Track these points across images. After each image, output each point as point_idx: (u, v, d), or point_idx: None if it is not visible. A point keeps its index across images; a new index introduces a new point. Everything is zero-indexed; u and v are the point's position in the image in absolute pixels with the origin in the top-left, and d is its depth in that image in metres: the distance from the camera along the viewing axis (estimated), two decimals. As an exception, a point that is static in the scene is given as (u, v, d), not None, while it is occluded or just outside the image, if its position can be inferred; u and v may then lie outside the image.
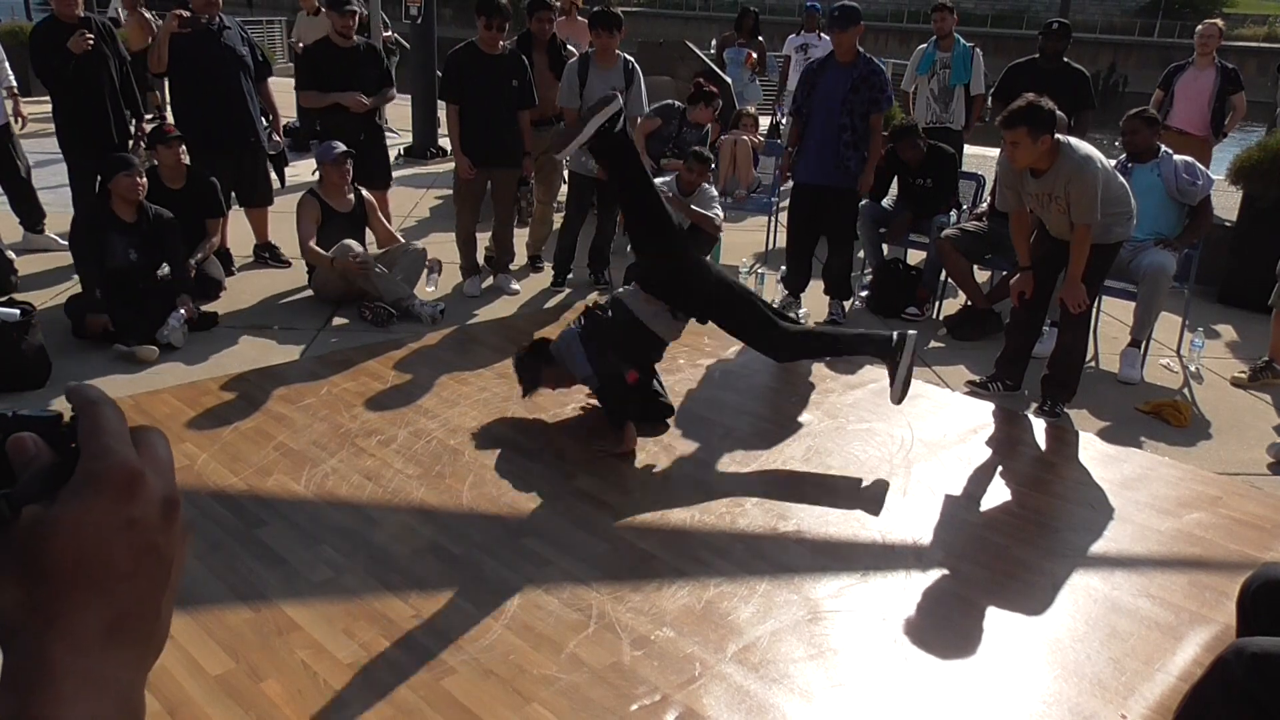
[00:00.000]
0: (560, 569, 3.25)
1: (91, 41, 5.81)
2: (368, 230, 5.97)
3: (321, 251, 5.61)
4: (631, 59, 6.13)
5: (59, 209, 6.57)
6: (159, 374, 4.68)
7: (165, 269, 5.25)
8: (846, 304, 6.05)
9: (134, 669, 0.48)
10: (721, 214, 6.10)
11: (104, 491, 0.47)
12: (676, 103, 7.32)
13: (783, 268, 6.23)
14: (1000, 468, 4.14)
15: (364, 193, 5.85)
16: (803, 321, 5.83)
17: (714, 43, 11.51)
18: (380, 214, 5.99)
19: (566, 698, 2.64)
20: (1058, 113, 4.43)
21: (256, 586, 3.07)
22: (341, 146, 5.71)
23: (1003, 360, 4.97)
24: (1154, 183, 5.42)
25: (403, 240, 6.00)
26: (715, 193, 6.27)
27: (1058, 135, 4.42)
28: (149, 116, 6.74)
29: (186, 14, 5.79)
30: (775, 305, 6.02)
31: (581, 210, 6.28)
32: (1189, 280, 5.67)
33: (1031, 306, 4.82)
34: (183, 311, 5.04)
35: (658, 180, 6.22)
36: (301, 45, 9.40)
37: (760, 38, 10.51)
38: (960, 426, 4.51)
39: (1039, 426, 4.57)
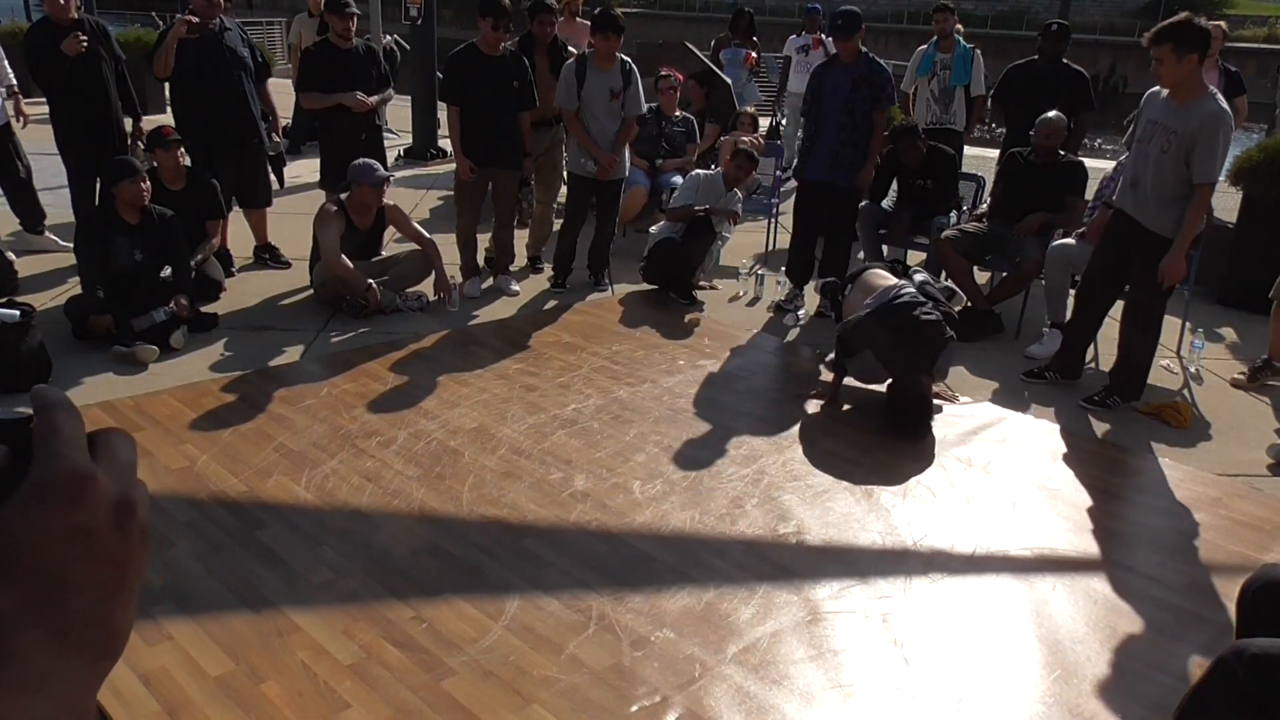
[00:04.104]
0: (560, 570, 3.25)
1: (85, 44, 5.81)
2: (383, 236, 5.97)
3: (350, 267, 5.53)
4: (629, 60, 6.14)
5: (59, 210, 6.58)
6: (159, 374, 4.68)
7: (168, 270, 5.26)
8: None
9: (84, 678, 0.47)
10: (739, 208, 6.39)
11: (49, 499, 0.46)
12: (646, 105, 7.41)
13: (783, 268, 6.26)
14: (1000, 469, 4.14)
15: (387, 204, 5.82)
16: (800, 318, 5.89)
17: (713, 44, 11.47)
18: (407, 218, 5.92)
19: (566, 699, 2.64)
20: (1198, 38, 4.22)
21: (256, 588, 3.07)
22: (383, 170, 5.67)
23: (1061, 352, 5.07)
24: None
25: (428, 237, 5.96)
26: (740, 195, 6.49)
27: (1212, 89, 4.40)
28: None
29: (195, 19, 5.80)
30: (777, 301, 6.11)
31: (581, 211, 6.29)
32: (1189, 282, 5.66)
33: (1092, 303, 4.87)
34: (172, 306, 5.04)
35: (701, 171, 6.37)
36: (302, 45, 9.40)
37: (755, 38, 10.50)
38: (960, 428, 4.51)
39: (1039, 429, 4.57)
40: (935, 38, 7.71)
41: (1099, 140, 16.02)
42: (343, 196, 5.66)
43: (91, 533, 0.47)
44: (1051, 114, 5.82)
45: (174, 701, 2.57)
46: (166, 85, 6.67)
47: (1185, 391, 5.11)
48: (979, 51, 7.77)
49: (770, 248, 7.35)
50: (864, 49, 5.70)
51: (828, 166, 5.73)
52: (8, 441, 0.47)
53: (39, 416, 0.48)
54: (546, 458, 4.02)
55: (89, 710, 0.47)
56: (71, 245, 5.56)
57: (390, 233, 6.05)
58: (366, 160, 5.65)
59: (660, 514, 3.63)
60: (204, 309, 5.38)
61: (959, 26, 7.77)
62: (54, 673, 0.45)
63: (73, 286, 5.46)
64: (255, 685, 2.65)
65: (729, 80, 9.10)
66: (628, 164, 6.39)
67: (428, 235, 5.88)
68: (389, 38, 11.36)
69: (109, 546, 0.48)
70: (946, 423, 4.55)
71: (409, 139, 10.43)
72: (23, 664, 0.44)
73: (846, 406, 4.65)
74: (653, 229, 6.42)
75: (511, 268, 6.40)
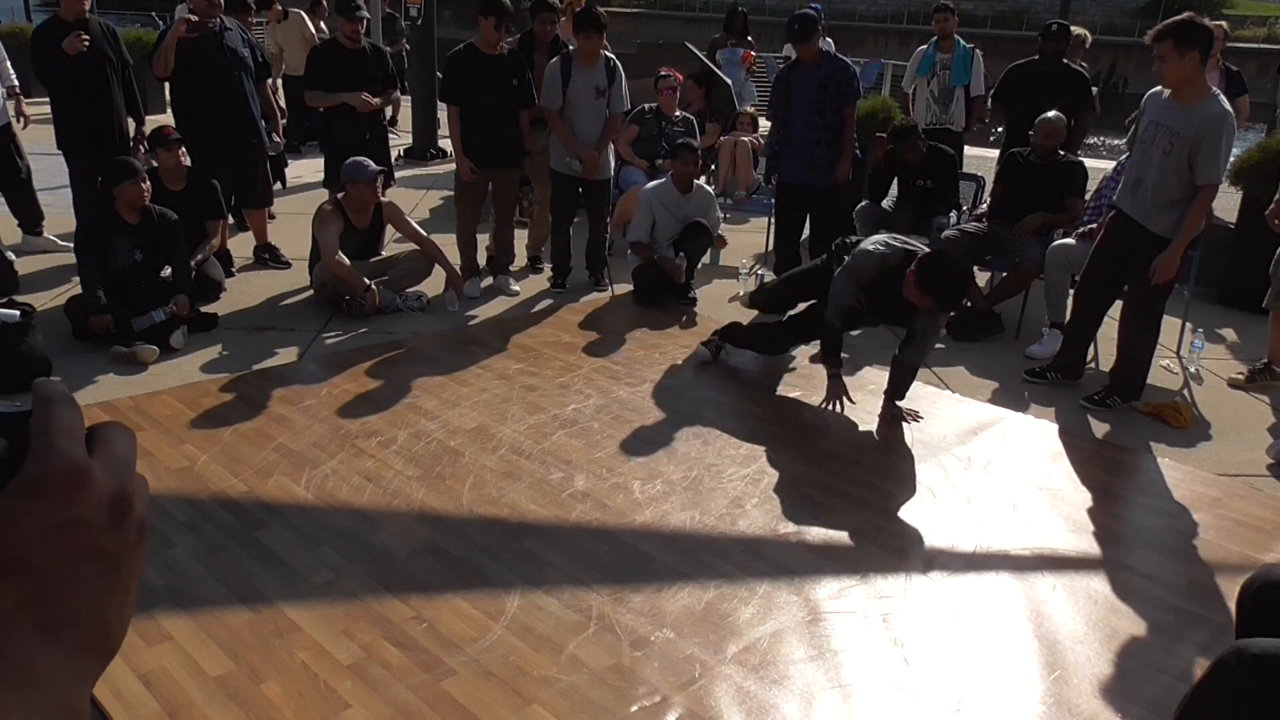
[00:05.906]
0: (560, 570, 3.24)
1: (87, 42, 5.80)
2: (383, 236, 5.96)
3: (349, 267, 5.53)
4: (613, 57, 6.14)
5: (59, 210, 6.58)
6: (159, 375, 4.68)
7: (168, 271, 5.26)
8: None
9: (75, 675, 0.46)
10: (721, 217, 6.25)
11: (42, 492, 0.45)
12: (646, 105, 7.40)
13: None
14: (1000, 469, 4.14)
15: (383, 201, 5.80)
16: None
17: (709, 45, 11.46)
18: (405, 216, 5.91)
19: (567, 699, 2.64)
20: (1199, 37, 4.17)
21: (257, 588, 3.07)
22: (374, 165, 5.65)
23: (1062, 352, 5.08)
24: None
25: (425, 235, 5.95)
26: (712, 193, 6.40)
27: (1215, 89, 4.37)
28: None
29: (195, 19, 5.80)
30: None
31: (568, 210, 6.25)
32: (1189, 282, 5.66)
33: (1092, 303, 4.88)
34: (172, 306, 5.04)
35: (649, 185, 6.28)
36: (284, 51, 9.34)
37: (750, 37, 10.48)
38: (959, 428, 4.51)
39: (1039, 429, 4.57)
40: (935, 38, 7.71)
41: (1120, 141, 15.94)
42: (339, 197, 5.66)
43: (85, 528, 0.46)
44: (1050, 114, 5.82)
45: (174, 701, 2.57)
46: (166, 85, 6.68)
47: (1185, 391, 5.11)
48: (979, 51, 7.77)
49: (770, 248, 7.34)
50: (824, 47, 5.76)
51: (805, 169, 5.82)
52: (6, 435, 0.46)
53: (36, 410, 0.47)
54: (546, 458, 4.02)
55: (82, 709, 0.46)
56: (71, 245, 5.57)
57: (390, 233, 6.06)
58: (356, 159, 5.65)
59: (660, 514, 3.63)
60: (204, 309, 5.38)
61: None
62: (45, 670, 0.44)
63: (73, 286, 5.46)
64: (255, 685, 2.65)
65: (729, 80, 9.10)
66: (612, 162, 6.39)
67: (425, 234, 5.88)
68: (402, 40, 11.31)
69: (103, 542, 0.47)
70: (947, 423, 4.55)
71: (409, 139, 10.44)
72: (12, 661, 0.43)
73: (846, 406, 4.65)
74: (629, 253, 6.28)
75: (511, 268, 6.40)
